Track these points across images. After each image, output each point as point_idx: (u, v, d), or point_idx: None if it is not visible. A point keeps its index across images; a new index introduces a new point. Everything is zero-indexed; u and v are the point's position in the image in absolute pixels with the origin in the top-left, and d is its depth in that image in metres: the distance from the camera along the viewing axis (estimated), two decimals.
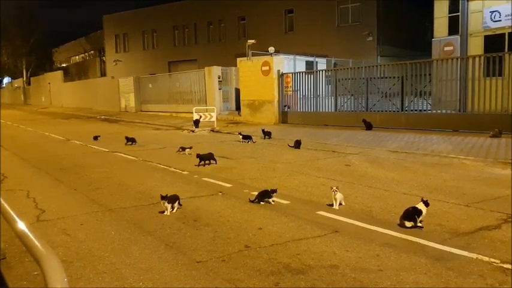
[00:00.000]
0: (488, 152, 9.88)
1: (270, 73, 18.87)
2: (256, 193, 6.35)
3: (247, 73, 20.16)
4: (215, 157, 9.59)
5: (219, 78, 23.37)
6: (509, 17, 16.48)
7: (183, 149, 11.22)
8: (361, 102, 16.55)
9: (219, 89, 23.40)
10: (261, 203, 6.17)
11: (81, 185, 7.85)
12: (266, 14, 33.63)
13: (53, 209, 6.22)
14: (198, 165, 9.27)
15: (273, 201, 6.18)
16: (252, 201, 6.22)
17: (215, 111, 19.52)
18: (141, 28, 45.35)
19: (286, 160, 10.08)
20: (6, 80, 72.23)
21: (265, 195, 6.21)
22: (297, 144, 11.64)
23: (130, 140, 13.33)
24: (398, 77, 15.45)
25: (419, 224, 4.99)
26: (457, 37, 17.62)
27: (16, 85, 64.39)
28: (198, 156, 9.38)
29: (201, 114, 19.03)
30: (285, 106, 18.53)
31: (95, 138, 14.44)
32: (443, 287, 3.59)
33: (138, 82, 30.98)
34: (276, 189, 6.26)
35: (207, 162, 9.40)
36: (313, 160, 10.05)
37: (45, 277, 1.61)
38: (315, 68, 21.42)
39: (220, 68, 23.73)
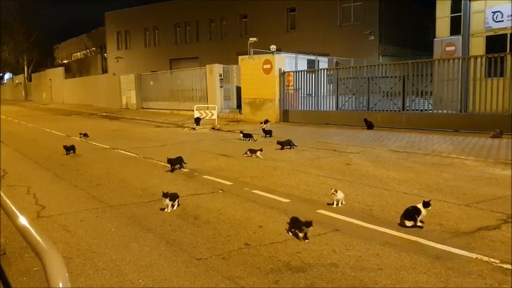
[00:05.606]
0: (489, 153, 9.87)
1: (271, 71, 18.85)
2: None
3: (249, 71, 20.14)
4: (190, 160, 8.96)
5: (220, 76, 23.34)
6: (511, 18, 16.44)
7: (253, 151, 10.02)
8: (362, 101, 16.52)
9: (220, 87, 23.38)
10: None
11: (81, 182, 7.87)
12: (268, 12, 33.60)
13: (53, 205, 6.24)
14: (171, 170, 8.65)
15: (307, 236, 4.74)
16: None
17: (216, 109, 19.48)
18: (142, 25, 45.32)
19: (287, 158, 10.08)
20: (7, 76, 72.30)
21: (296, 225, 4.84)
22: (284, 144, 11.31)
23: (70, 149, 11.02)
24: (399, 77, 15.42)
25: (419, 224, 5.00)
26: (459, 37, 17.57)
27: (17, 81, 64.47)
28: (168, 161, 8.72)
29: (202, 112, 18.99)
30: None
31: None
32: (443, 287, 3.60)
33: (140, 79, 30.95)
34: (311, 222, 4.69)
35: (176, 166, 8.76)
36: (314, 159, 10.05)
37: (46, 272, 1.61)
38: (316, 67, 21.39)
39: (221, 66, 23.71)
